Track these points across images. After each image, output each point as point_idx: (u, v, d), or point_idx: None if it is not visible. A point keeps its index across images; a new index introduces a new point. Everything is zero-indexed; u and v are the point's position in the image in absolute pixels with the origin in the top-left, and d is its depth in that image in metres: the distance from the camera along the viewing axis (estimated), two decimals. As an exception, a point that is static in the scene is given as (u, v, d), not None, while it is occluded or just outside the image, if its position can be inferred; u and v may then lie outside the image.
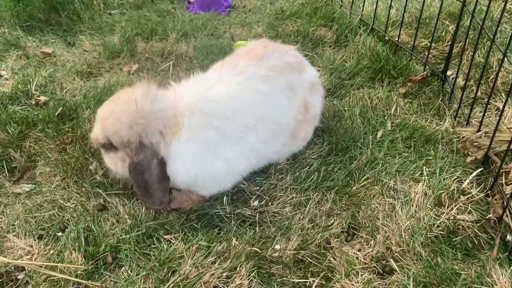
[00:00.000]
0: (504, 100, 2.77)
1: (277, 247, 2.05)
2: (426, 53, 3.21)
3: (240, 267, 1.94)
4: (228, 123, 2.14)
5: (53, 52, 3.70)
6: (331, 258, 2.00)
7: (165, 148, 2.10)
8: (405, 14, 3.47)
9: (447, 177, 2.30)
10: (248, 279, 1.90)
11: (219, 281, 1.89)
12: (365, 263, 1.99)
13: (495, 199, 2.21)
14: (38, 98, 3.03)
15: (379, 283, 1.90)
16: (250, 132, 2.18)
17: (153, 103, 2.09)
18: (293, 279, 1.94)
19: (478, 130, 2.50)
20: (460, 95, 2.77)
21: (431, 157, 2.47)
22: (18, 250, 2.05)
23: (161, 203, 2.19)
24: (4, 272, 1.97)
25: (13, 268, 1.99)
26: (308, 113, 2.43)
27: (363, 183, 2.34)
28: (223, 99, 2.14)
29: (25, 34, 3.86)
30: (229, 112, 2.14)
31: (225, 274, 1.91)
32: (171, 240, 2.09)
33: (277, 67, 2.27)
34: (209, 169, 2.16)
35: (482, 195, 2.23)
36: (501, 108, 2.40)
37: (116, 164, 2.18)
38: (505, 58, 2.17)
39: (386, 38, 3.50)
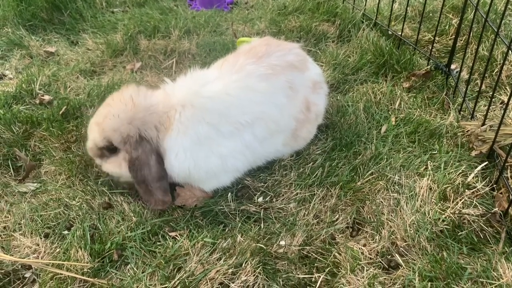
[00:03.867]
0: (509, 93, 2.75)
1: (282, 243, 2.06)
2: (430, 47, 3.19)
3: (245, 263, 1.94)
4: (222, 119, 2.13)
5: (56, 51, 3.72)
6: (336, 254, 2.00)
7: (160, 143, 2.13)
8: (408, 8, 3.45)
9: (452, 171, 2.29)
10: (254, 275, 1.91)
11: (225, 277, 1.90)
12: (370, 258, 1.99)
13: (501, 193, 2.20)
14: (42, 97, 3.04)
15: (385, 278, 1.90)
16: (245, 129, 2.17)
17: (146, 99, 2.14)
18: (298, 274, 1.94)
19: (483, 124, 2.49)
20: (464, 89, 2.75)
21: (436, 152, 2.46)
22: (24, 248, 2.07)
23: (163, 203, 2.18)
24: (11, 270, 1.99)
25: (20, 266, 2.01)
26: (310, 112, 2.41)
27: (367, 178, 2.34)
28: (217, 95, 2.14)
29: (28, 34, 3.87)
30: (223, 108, 2.14)
31: (230, 270, 1.92)
32: (176, 237, 2.10)
33: (277, 66, 2.27)
34: (203, 164, 2.16)
35: (487, 189, 2.22)
36: (506, 101, 2.39)
37: (120, 165, 2.16)
38: (510, 51, 2.15)
39: (389, 32, 3.48)
